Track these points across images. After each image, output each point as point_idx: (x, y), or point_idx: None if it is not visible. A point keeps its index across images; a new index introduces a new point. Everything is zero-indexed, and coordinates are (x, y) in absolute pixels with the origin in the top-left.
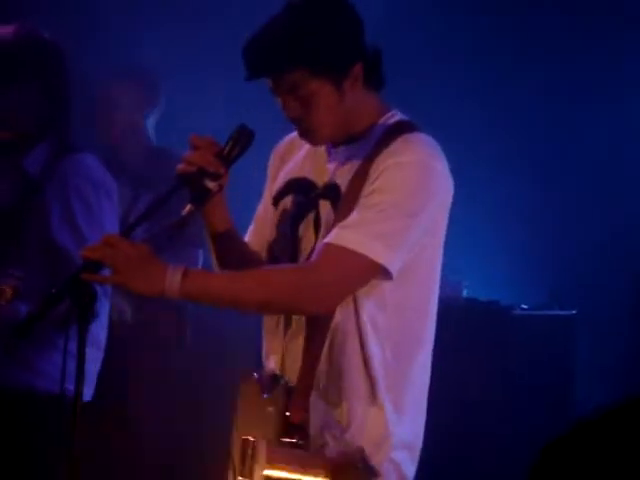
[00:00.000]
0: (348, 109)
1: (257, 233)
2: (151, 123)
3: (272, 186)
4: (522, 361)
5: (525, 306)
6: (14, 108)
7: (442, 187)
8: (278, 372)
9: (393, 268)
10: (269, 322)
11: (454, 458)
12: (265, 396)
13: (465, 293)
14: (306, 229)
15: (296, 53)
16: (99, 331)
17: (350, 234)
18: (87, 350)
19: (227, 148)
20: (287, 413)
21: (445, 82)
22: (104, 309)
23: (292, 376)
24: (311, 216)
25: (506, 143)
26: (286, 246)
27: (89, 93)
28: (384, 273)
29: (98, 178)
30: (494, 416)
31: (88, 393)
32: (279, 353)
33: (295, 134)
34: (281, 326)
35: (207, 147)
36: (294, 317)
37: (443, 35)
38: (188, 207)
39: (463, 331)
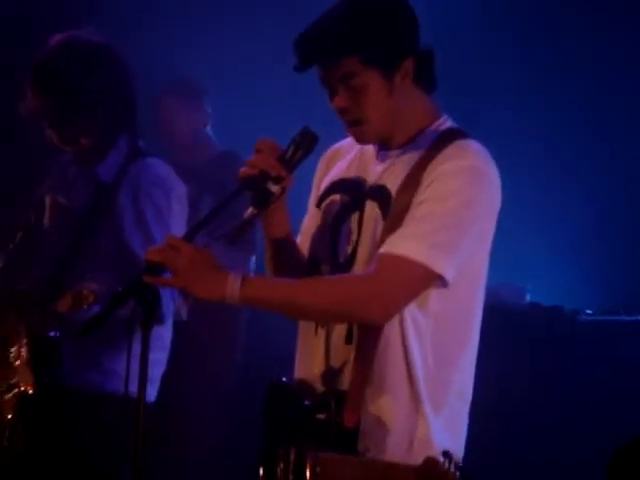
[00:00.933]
0: (398, 107)
1: (304, 245)
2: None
3: (317, 189)
4: (588, 367)
5: (590, 311)
6: (78, 124)
7: (494, 194)
8: (320, 378)
9: (449, 276)
10: (307, 326)
11: (514, 465)
12: (307, 403)
13: (528, 298)
14: (349, 228)
15: (349, 40)
16: (164, 333)
17: (408, 243)
18: (153, 353)
19: (290, 151)
20: (339, 419)
21: (499, 94)
22: (169, 311)
23: (338, 381)
24: (355, 215)
25: (568, 150)
26: (325, 244)
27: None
28: (440, 281)
29: (169, 183)
30: (558, 424)
31: (152, 394)
32: (320, 358)
33: (342, 143)
34: (322, 331)
35: (270, 150)
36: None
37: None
38: (250, 210)
39: (525, 336)
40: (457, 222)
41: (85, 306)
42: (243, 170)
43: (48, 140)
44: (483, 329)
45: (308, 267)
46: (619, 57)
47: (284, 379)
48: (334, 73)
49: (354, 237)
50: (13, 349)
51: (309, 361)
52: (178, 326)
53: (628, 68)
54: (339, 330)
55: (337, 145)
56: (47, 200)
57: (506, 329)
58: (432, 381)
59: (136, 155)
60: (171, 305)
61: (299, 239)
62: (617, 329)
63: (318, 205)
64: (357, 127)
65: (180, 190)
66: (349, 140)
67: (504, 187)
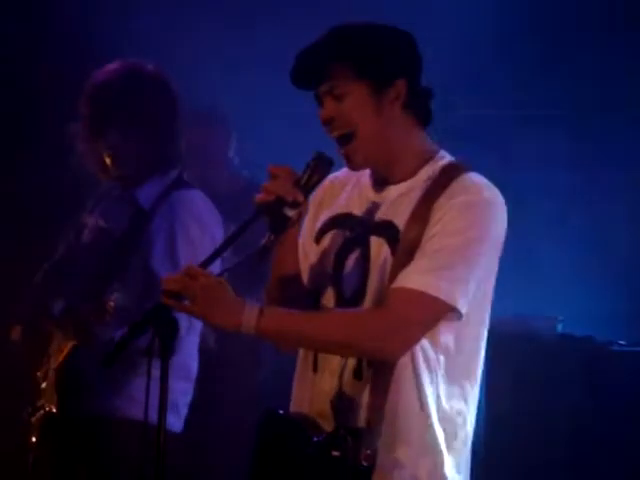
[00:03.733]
0: (390, 132)
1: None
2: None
3: (312, 223)
4: (619, 398)
5: (622, 342)
6: (121, 150)
7: (501, 225)
8: (329, 414)
9: (464, 309)
10: (306, 361)
11: None
12: (315, 439)
13: (560, 329)
14: (352, 265)
15: (343, 46)
16: (190, 363)
17: (422, 277)
18: (177, 383)
19: (305, 176)
20: (354, 457)
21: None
22: (193, 341)
23: (348, 418)
24: (358, 252)
25: (600, 176)
26: (327, 278)
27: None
28: (454, 315)
29: (205, 217)
30: (587, 457)
31: (177, 424)
32: (327, 394)
33: (335, 175)
34: (325, 366)
35: (285, 176)
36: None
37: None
38: (268, 236)
39: (556, 367)
40: (469, 257)
41: (108, 317)
42: (259, 196)
43: (90, 170)
44: (516, 359)
45: (307, 300)
46: None
47: (281, 411)
48: (325, 86)
49: (361, 273)
50: (40, 372)
51: (311, 396)
52: (205, 355)
53: None
54: (349, 366)
55: (331, 177)
56: (87, 221)
57: (537, 360)
58: (444, 415)
59: (178, 185)
60: (195, 336)
61: None
62: None
63: (317, 240)
64: (348, 145)
65: (216, 226)
66: (344, 172)
67: (537, 219)
